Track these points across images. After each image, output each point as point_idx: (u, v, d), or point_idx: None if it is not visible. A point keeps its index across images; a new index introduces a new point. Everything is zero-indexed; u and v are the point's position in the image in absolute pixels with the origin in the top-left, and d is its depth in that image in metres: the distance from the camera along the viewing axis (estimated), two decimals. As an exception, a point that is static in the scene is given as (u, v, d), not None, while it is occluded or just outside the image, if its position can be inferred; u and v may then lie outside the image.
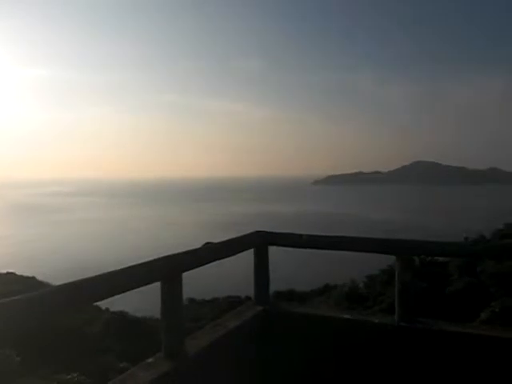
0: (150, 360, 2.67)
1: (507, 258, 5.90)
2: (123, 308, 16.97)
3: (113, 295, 2.43)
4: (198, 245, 3.30)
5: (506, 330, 3.26)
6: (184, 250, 2.88)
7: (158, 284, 2.73)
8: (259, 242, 3.68)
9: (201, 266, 2.97)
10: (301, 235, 3.63)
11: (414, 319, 3.33)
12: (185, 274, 2.80)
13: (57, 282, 2.75)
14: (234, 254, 3.39)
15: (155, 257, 2.68)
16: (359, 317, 3.52)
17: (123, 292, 2.47)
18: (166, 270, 2.68)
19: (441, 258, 18.33)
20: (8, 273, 18.25)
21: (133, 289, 2.54)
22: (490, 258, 13.71)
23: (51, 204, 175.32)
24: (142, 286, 2.58)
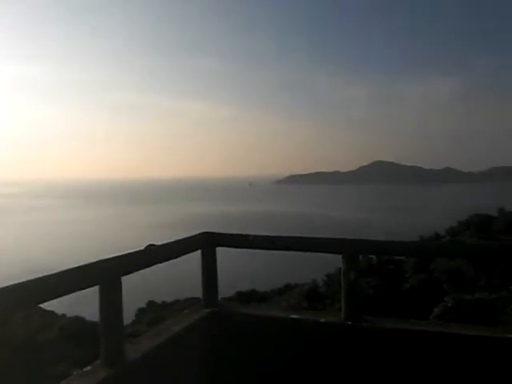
0: (87, 368, 2.57)
1: (456, 255, 6.08)
2: (83, 313, 16.55)
3: (50, 299, 2.35)
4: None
5: (448, 325, 3.34)
6: (124, 252, 2.80)
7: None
8: (206, 244, 3.63)
9: (142, 269, 2.90)
10: (248, 236, 3.61)
11: (360, 317, 3.36)
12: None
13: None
14: (178, 256, 3.33)
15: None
16: (306, 316, 3.53)
17: (61, 296, 2.39)
18: (105, 274, 2.60)
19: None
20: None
21: (71, 293, 2.45)
22: (438, 256, 14.18)
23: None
24: (80, 289, 2.49)
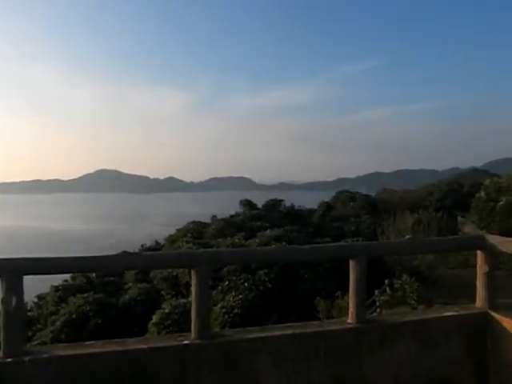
0: None
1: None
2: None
3: None
4: None
5: (124, 342, 3.04)
6: None
7: None
8: None
9: None
10: None
11: (23, 351, 2.76)
12: None
13: None
14: None
15: None
16: None
17: None
18: None
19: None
20: None
21: None
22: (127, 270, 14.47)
23: None
24: None
